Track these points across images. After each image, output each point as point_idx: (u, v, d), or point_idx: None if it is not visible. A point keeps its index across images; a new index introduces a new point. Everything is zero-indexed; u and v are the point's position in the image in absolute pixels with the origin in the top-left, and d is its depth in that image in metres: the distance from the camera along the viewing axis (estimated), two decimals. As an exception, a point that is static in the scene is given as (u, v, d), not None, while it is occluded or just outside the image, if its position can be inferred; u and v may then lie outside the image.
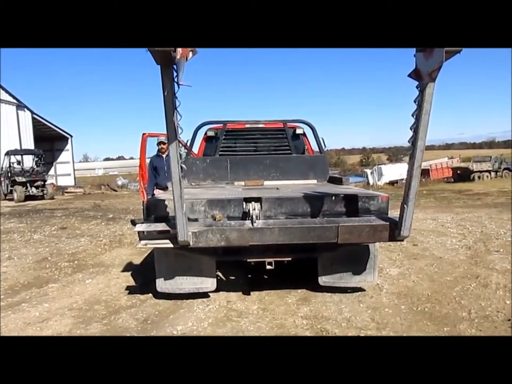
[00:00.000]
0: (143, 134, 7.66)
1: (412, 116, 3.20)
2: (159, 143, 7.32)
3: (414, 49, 3.01)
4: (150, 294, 4.63)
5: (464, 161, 38.40)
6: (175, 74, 2.79)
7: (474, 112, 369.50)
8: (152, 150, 7.66)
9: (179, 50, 2.48)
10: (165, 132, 7.63)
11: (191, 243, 3.51)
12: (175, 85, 2.82)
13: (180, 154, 3.13)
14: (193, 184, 6.19)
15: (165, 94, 2.82)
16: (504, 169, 34.05)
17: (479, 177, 31.89)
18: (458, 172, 33.61)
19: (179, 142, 7.80)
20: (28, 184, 20.78)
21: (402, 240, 3.77)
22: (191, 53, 2.78)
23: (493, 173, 32.95)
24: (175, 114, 2.94)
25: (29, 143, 27.68)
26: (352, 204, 3.99)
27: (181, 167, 3.16)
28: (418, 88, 3.10)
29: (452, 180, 33.43)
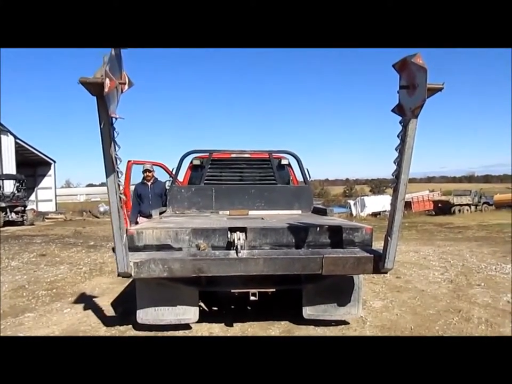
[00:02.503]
0: (128, 161, 7.68)
1: (396, 150, 3.25)
2: (144, 171, 7.32)
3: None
4: (130, 325, 4.50)
5: (444, 195, 39.12)
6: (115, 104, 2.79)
7: (455, 148, 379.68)
8: (136, 178, 7.65)
9: (107, 83, 2.44)
10: (151, 160, 7.65)
11: (132, 274, 3.43)
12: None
13: (118, 185, 3.08)
14: (177, 212, 6.16)
15: (101, 125, 2.76)
16: (484, 203, 34.80)
17: (459, 210, 32.49)
18: (439, 204, 34.22)
19: (166, 171, 7.81)
20: (8, 209, 20.35)
21: (386, 273, 3.77)
22: (126, 85, 2.78)
23: (472, 207, 33.64)
24: (112, 145, 2.89)
25: (11, 168, 27.25)
26: (336, 235, 4.00)
27: (120, 197, 3.11)
28: (402, 124, 3.17)
29: (433, 213, 33.96)
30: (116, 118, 2.84)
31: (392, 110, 3.21)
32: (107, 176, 2.99)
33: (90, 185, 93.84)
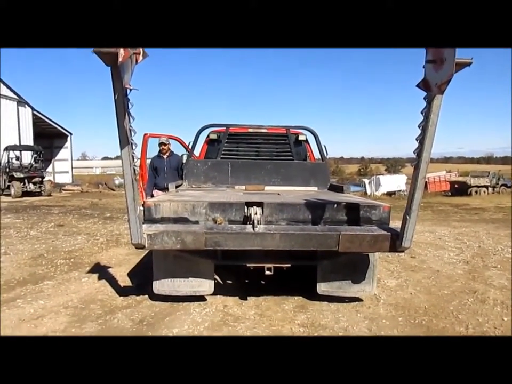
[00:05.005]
0: (145, 134, 7.68)
1: (418, 127, 3.18)
2: (160, 144, 7.32)
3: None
4: (146, 295, 4.59)
5: (462, 176, 38.47)
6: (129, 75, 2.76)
7: (473, 128, 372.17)
8: (152, 151, 7.67)
9: (121, 52, 2.40)
10: (167, 133, 7.65)
11: (146, 245, 3.49)
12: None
13: (133, 157, 3.08)
14: (193, 186, 6.18)
15: (116, 96, 2.75)
16: (502, 185, 34.17)
17: (476, 192, 31.98)
18: (456, 185, 33.68)
19: (182, 144, 7.81)
20: (26, 180, 20.75)
21: (403, 251, 3.75)
22: (141, 55, 2.73)
23: (490, 189, 33.04)
24: (126, 116, 2.89)
25: (28, 139, 27.64)
26: (353, 213, 3.97)
27: (134, 169, 3.12)
28: (426, 100, 3.08)
29: (449, 194, 33.49)
30: (130, 89, 2.83)
31: (417, 85, 3.12)
32: (121, 148, 3.00)
33: (105, 158, 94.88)
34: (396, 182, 36.07)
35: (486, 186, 32.98)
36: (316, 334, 3.73)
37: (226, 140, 6.61)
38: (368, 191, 35.68)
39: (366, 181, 39.12)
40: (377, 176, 40.59)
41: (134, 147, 3.11)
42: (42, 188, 21.43)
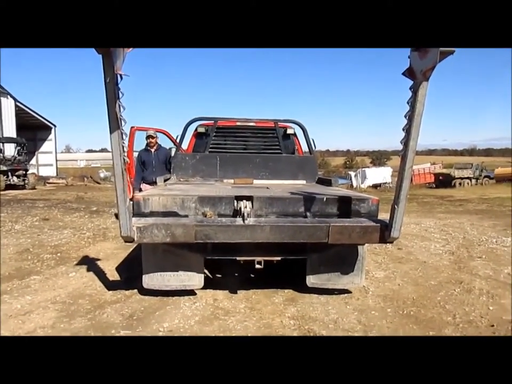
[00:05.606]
0: (132, 127, 7.59)
1: (405, 116, 3.23)
2: (147, 137, 7.24)
3: (409, 50, 3.06)
4: (135, 290, 4.56)
5: (446, 168, 38.98)
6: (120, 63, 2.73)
7: (457, 120, 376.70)
8: (139, 145, 7.60)
9: None
10: (154, 127, 7.56)
11: (135, 238, 3.45)
12: (118, 75, 2.75)
13: (123, 147, 3.03)
14: (181, 180, 6.15)
15: (106, 83, 2.72)
16: (485, 176, 34.80)
17: (460, 183, 32.53)
18: (440, 177, 34.18)
19: (170, 138, 7.73)
20: (9, 173, 20.38)
21: (392, 242, 3.79)
22: None
23: (473, 180, 33.67)
24: (116, 105, 2.84)
25: (11, 131, 27.05)
26: (342, 206, 4.00)
27: (124, 159, 3.07)
28: (412, 89, 3.13)
29: (434, 186, 33.96)
30: (121, 76, 2.78)
31: (403, 73, 3.19)
32: (111, 137, 2.94)
33: (90, 150, 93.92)
34: (382, 175, 36.49)
35: (470, 178, 33.58)
36: (306, 327, 3.75)
37: (214, 134, 6.57)
38: (354, 184, 35.98)
39: (352, 173, 39.41)
40: (363, 169, 40.90)
41: (124, 137, 3.06)
42: (26, 181, 21.10)
